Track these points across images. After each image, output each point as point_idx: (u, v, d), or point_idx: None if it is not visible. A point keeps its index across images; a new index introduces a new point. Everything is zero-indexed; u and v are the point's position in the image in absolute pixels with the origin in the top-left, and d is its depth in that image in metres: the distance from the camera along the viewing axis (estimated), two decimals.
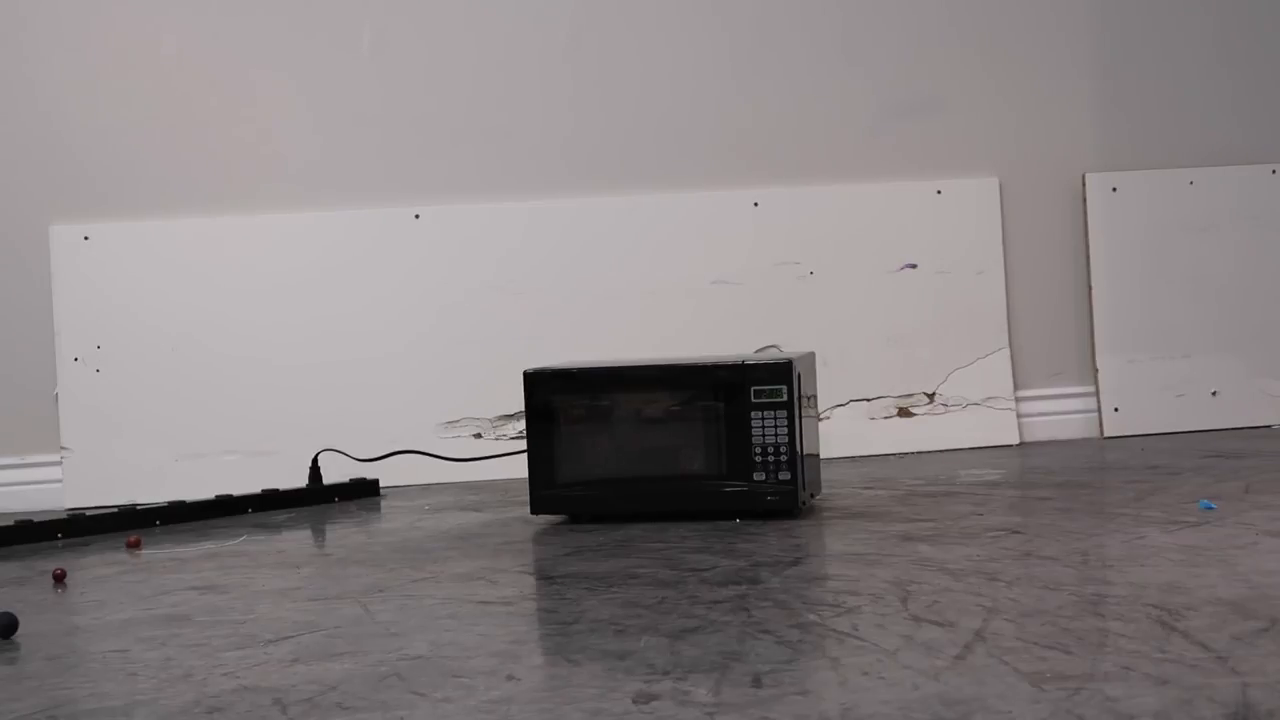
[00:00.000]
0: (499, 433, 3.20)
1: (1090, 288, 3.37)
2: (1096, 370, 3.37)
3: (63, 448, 3.16)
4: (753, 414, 2.42)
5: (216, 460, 3.16)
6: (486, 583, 2.03)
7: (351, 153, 3.28)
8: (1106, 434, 3.34)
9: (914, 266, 3.33)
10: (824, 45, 3.36)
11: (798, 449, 2.42)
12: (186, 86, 3.24)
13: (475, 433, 3.20)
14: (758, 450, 2.42)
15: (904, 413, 3.29)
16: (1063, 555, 1.98)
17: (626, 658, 1.55)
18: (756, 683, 1.43)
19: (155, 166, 3.24)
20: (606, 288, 3.27)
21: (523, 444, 2.62)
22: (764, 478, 2.42)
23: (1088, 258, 3.38)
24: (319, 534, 2.64)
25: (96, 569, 2.35)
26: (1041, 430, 3.35)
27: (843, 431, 3.23)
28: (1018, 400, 3.34)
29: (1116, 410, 3.35)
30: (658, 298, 3.27)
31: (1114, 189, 3.39)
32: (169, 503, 2.84)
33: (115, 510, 2.82)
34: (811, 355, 2.64)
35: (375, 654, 1.63)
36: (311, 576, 2.16)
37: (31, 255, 3.20)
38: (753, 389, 2.42)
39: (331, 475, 3.03)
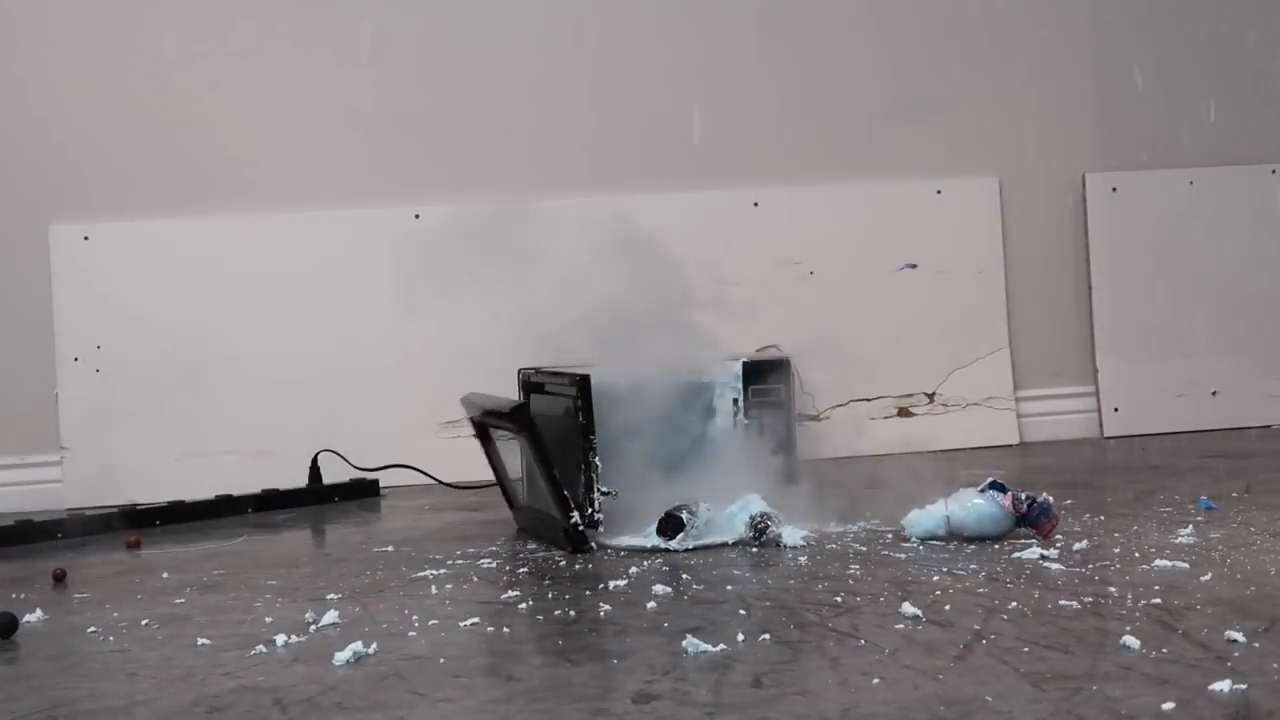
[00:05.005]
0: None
1: (1090, 288, 3.37)
2: (1096, 370, 3.37)
3: (63, 448, 3.15)
4: (752, 414, 2.41)
5: (216, 460, 3.16)
6: (486, 583, 2.03)
7: (352, 153, 3.28)
8: (1106, 434, 3.34)
9: (914, 266, 3.32)
10: (824, 45, 3.36)
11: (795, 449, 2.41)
12: (186, 87, 3.24)
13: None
14: None
15: (904, 413, 3.29)
16: (1063, 555, 1.97)
17: (626, 658, 1.55)
18: (756, 683, 1.43)
19: (155, 166, 3.24)
20: None
21: None
22: None
23: (1088, 258, 3.38)
24: (319, 534, 2.64)
25: (96, 569, 2.34)
26: (1041, 430, 3.35)
27: (843, 431, 3.23)
28: (1018, 400, 3.34)
29: (1116, 410, 3.35)
30: None
31: (1114, 189, 3.39)
32: (169, 503, 2.84)
33: (115, 510, 2.82)
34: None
35: (375, 654, 1.63)
36: (311, 576, 2.16)
37: (31, 255, 3.20)
38: (752, 389, 2.42)
39: (332, 475, 3.02)
